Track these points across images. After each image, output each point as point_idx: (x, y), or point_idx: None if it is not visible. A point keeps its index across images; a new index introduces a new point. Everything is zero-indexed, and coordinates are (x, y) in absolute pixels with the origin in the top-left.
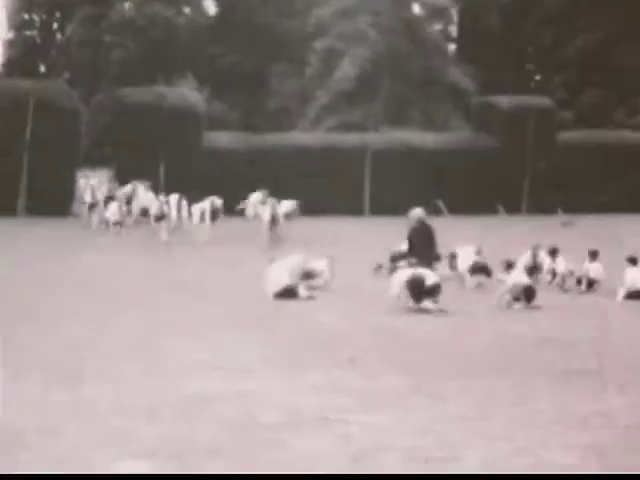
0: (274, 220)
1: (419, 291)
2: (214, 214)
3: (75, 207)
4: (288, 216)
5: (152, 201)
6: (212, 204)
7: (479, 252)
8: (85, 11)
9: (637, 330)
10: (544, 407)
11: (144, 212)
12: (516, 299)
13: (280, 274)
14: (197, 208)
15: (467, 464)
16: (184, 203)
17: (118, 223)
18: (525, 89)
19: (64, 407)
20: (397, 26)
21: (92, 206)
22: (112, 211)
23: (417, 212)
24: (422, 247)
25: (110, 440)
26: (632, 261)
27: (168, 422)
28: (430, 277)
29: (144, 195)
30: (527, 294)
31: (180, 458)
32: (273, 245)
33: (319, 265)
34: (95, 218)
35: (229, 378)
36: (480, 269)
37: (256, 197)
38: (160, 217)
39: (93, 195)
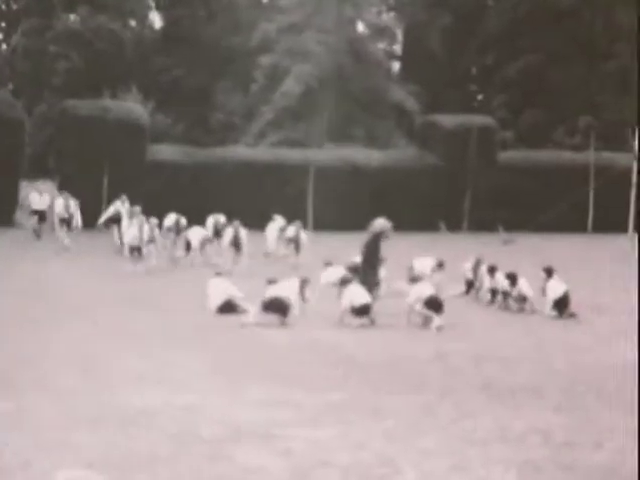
0: (236, 243)
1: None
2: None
3: (19, 217)
4: (291, 241)
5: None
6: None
7: (440, 265)
8: (30, 22)
9: (572, 348)
10: (482, 424)
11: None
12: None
13: (221, 289)
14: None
15: None
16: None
17: (137, 249)
18: (468, 109)
19: (4, 416)
20: (342, 44)
21: (64, 221)
22: (132, 235)
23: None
24: (378, 257)
25: (49, 450)
26: (548, 272)
27: (109, 434)
28: (361, 297)
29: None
30: (431, 305)
31: (121, 469)
32: (235, 266)
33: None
34: (63, 234)
35: (171, 391)
36: None
37: (275, 226)
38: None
39: (67, 209)
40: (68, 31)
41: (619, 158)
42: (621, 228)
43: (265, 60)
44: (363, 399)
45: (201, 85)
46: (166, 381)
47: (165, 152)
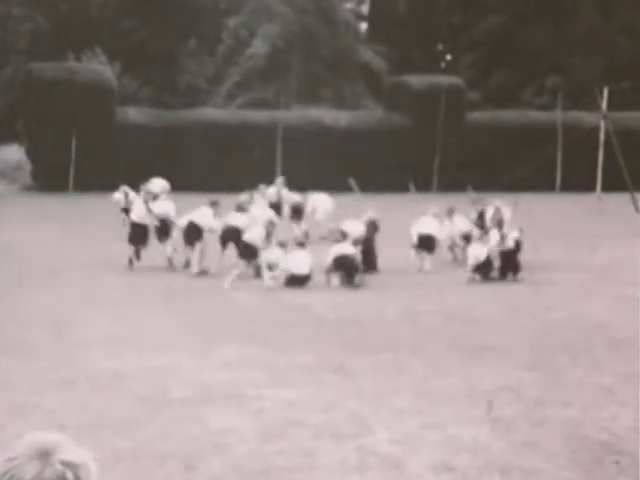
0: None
1: None
2: None
3: None
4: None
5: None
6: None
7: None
8: None
9: (542, 307)
10: (453, 382)
11: None
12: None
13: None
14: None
15: (377, 439)
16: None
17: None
18: (436, 69)
19: None
20: (308, 4)
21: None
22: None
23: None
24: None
25: (22, 413)
26: (450, 212)
27: (81, 396)
28: (303, 268)
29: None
30: (345, 268)
31: (93, 432)
32: None
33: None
34: None
35: (142, 353)
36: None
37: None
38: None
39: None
40: None
41: (587, 117)
42: (589, 187)
43: (232, 21)
44: (334, 359)
45: (168, 47)
46: (137, 344)
47: (133, 114)
